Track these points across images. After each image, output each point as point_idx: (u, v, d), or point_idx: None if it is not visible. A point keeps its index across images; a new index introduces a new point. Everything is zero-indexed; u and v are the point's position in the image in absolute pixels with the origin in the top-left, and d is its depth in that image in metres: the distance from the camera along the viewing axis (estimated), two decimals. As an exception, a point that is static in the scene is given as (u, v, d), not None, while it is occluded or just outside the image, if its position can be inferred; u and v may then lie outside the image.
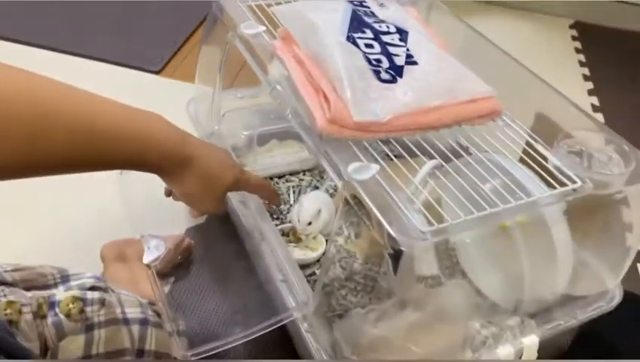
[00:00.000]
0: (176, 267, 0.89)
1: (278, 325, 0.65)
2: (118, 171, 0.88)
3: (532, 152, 0.67)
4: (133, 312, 0.66)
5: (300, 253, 0.91)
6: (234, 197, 0.83)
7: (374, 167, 0.58)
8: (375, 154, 0.63)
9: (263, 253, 0.76)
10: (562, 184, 0.63)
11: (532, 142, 0.69)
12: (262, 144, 1.06)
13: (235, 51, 0.85)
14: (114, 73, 1.34)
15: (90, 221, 0.98)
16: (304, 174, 1.07)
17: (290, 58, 0.70)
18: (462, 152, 0.68)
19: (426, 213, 0.57)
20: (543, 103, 0.77)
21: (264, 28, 0.77)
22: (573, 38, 1.73)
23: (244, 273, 0.86)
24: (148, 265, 0.72)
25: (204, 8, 1.59)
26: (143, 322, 0.66)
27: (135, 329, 0.64)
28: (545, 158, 0.67)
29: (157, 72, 1.37)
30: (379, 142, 0.64)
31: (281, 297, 0.70)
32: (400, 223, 0.54)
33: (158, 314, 0.70)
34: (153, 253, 0.73)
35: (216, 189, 0.65)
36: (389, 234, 0.53)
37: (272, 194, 0.79)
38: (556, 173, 0.64)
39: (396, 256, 0.63)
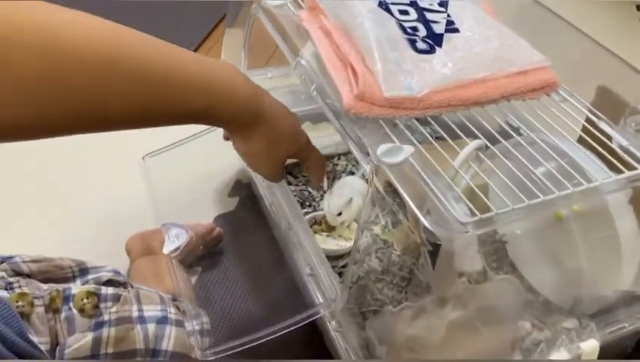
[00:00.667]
0: (203, 257, 0.85)
1: (304, 323, 0.59)
2: (141, 156, 0.84)
3: (593, 131, 0.58)
4: (151, 310, 0.62)
5: (333, 243, 0.85)
6: (261, 183, 0.78)
7: (408, 149, 0.51)
8: (409, 135, 0.55)
9: (291, 244, 0.71)
10: (629, 167, 0.54)
11: (593, 119, 0.60)
12: (294, 126, 1.00)
13: (252, 27, 0.80)
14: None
15: (116, 211, 0.95)
16: (339, 158, 1.01)
17: (317, 29, 0.63)
18: (511, 132, 0.60)
19: (468, 201, 0.49)
20: (606, 75, 0.67)
21: (290, -2, 0.71)
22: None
23: (273, 264, 0.81)
24: (168, 256, 0.68)
25: (222, 7, 1.55)
26: (162, 320, 0.62)
27: (151, 327, 0.60)
28: (609, 138, 0.58)
29: (193, 50, 1.33)
30: (414, 121, 0.57)
31: (308, 292, 0.65)
32: (437, 213, 0.47)
33: (182, 311, 0.65)
34: (174, 242, 0.69)
35: (280, 153, 0.61)
36: (424, 226, 0.46)
37: (320, 175, 0.71)
38: (622, 154, 0.55)
39: (434, 249, 0.56)
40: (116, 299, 0.60)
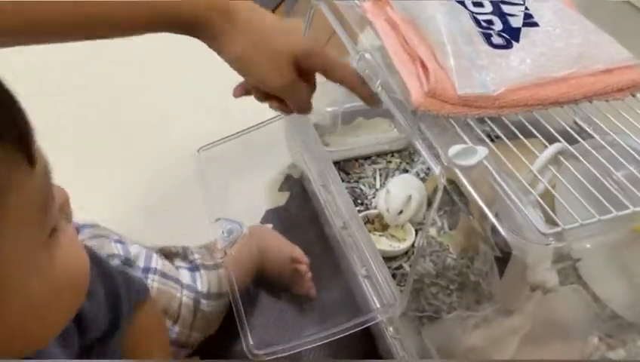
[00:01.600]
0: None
1: (360, 328, 0.57)
2: (196, 148, 0.83)
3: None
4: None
5: (386, 244, 0.83)
6: (315, 180, 0.76)
7: (482, 151, 0.48)
8: (482, 135, 0.52)
9: (346, 243, 0.68)
10: None
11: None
12: (347, 122, 0.97)
13: (322, 19, 0.77)
14: (199, 43, 1.30)
15: (168, 199, 0.94)
16: (392, 156, 0.98)
17: (383, 22, 0.61)
18: (592, 133, 0.55)
19: (548, 209, 0.46)
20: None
21: (354, -11, 0.68)
22: None
23: (326, 264, 0.78)
24: (223, 251, 0.67)
25: None
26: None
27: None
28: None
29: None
30: (486, 120, 0.53)
31: (363, 295, 0.62)
32: (514, 222, 0.44)
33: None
34: (227, 237, 0.67)
35: (277, 54, 0.53)
36: (499, 235, 0.43)
37: (364, 89, 0.60)
38: None
39: (504, 258, 0.53)
40: None
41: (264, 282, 0.78)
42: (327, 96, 0.96)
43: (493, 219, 0.44)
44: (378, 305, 0.60)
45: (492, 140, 0.62)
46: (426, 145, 0.51)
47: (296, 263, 0.77)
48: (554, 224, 0.44)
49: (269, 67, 0.54)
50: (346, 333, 0.57)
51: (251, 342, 0.57)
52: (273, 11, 1.41)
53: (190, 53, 1.13)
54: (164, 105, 1.08)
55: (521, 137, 0.53)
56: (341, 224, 0.69)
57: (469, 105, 0.51)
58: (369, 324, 0.58)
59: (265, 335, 0.71)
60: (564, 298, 0.63)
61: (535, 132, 0.53)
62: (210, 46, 0.54)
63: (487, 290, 0.66)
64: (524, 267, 0.49)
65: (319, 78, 0.98)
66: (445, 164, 0.48)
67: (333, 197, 0.72)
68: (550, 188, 0.47)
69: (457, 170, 0.47)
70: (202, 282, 0.67)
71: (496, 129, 0.54)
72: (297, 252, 0.77)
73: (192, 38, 0.56)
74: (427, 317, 0.73)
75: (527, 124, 0.54)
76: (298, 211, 0.91)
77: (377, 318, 0.58)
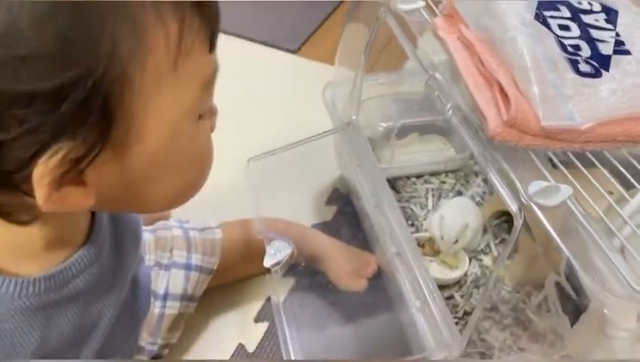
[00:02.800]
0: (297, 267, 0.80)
1: (411, 364, 0.53)
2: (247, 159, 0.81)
3: None
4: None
5: (437, 270, 0.79)
6: (367, 199, 0.72)
7: (566, 190, 0.43)
8: (563, 168, 0.48)
9: (397, 269, 0.64)
10: None
11: None
12: (401, 137, 0.94)
13: (377, 31, 0.74)
14: (250, 50, 1.30)
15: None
16: (446, 176, 0.93)
17: (455, 40, 0.57)
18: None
19: (638, 257, 0.41)
20: None
21: (423, 3, 0.64)
22: None
23: (373, 290, 0.75)
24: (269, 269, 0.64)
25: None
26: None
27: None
28: None
29: (294, 52, 1.30)
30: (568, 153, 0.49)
31: (415, 329, 0.58)
32: (595, 270, 0.40)
33: None
34: (275, 256, 0.65)
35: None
36: (576, 281, 0.39)
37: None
38: None
39: (578, 307, 0.48)
40: None
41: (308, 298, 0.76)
42: (383, 111, 0.93)
43: (578, 267, 0.40)
44: (433, 343, 0.57)
45: (554, 166, 0.58)
46: (501, 178, 0.47)
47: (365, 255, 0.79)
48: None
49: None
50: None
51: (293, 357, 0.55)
52: (329, 16, 1.38)
53: (242, 75, 1.13)
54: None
55: (583, 168, 0.48)
56: (394, 249, 0.66)
57: (552, 137, 0.46)
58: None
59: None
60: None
61: (598, 164, 0.48)
62: None
63: (550, 332, 0.62)
64: (604, 321, 0.44)
65: (375, 91, 0.95)
66: (524, 202, 0.44)
67: (386, 220, 0.68)
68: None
69: (539, 211, 0.42)
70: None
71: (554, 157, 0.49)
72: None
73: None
74: (480, 354, 0.68)
75: (590, 155, 0.49)
76: (345, 229, 0.87)
77: (432, 358, 0.54)
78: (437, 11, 0.64)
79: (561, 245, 0.41)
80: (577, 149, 0.47)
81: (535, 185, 0.44)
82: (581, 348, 0.51)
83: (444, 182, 0.92)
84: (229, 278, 0.77)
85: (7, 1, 0.26)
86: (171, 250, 0.71)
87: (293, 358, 0.58)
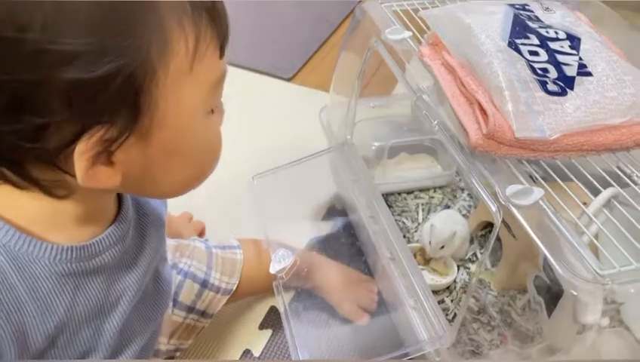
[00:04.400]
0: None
1: (406, 359, 0.59)
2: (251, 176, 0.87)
3: None
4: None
5: (428, 278, 0.84)
6: (363, 211, 0.78)
7: (538, 192, 0.50)
8: (536, 176, 0.55)
9: (393, 274, 0.70)
10: None
11: None
12: (391, 156, 1.00)
13: (369, 59, 0.81)
14: (245, 78, 1.37)
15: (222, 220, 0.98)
16: (435, 191, 1.00)
17: (440, 65, 0.64)
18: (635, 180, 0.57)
19: (603, 250, 0.48)
20: None
21: (410, 33, 0.72)
22: None
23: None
24: (274, 275, 0.70)
25: (338, 15, 1.59)
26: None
27: None
28: None
29: (288, 79, 1.38)
30: (523, 162, 0.56)
31: (410, 326, 0.64)
32: (567, 262, 0.46)
33: None
34: (280, 263, 0.70)
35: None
36: (551, 273, 0.45)
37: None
38: None
39: (553, 298, 0.54)
40: None
41: (310, 302, 0.81)
42: (374, 132, 1.00)
43: (551, 257, 0.46)
44: (426, 337, 0.62)
45: (534, 181, 0.65)
46: (483, 184, 0.54)
47: (367, 282, 0.82)
48: (605, 266, 0.46)
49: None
50: (392, 363, 0.59)
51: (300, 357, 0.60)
52: (322, 45, 1.47)
53: (241, 101, 1.20)
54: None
55: (558, 180, 0.55)
56: (389, 255, 0.72)
57: (525, 147, 0.53)
58: (415, 355, 0.60)
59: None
60: (609, 340, 0.64)
61: (572, 176, 0.55)
62: None
63: (532, 329, 0.67)
64: (576, 306, 0.50)
65: (367, 114, 1.02)
66: (503, 202, 0.50)
67: (382, 229, 0.74)
68: (604, 230, 0.49)
69: (515, 210, 0.49)
70: None
71: (534, 171, 0.56)
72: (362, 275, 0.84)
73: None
74: (469, 352, 0.74)
75: (564, 168, 0.56)
76: (341, 242, 0.93)
77: (425, 349, 0.60)
78: (422, 40, 0.71)
79: (537, 240, 0.47)
80: (548, 157, 0.54)
81: (512, 188, 0.50)
82: (556, 336, 0.57)
83: (432, 197, 0.99)
84: (240, 297, 0.79)
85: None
86: (192, 258, 0.73)
87: (300, 358, 0.63)
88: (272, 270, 0.70)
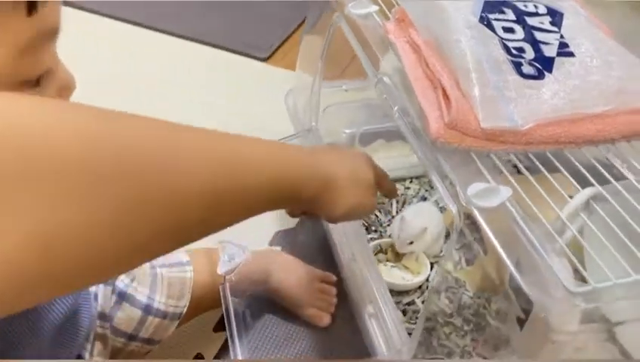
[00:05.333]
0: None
1: (362, 373, 0.52)
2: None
3: None
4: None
5: (398, 276, 0.78)
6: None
7: (504, 192, 0.43)
8: (504, 169, 0.48)
9: (353, 276, 0.64)
10: None
11: None
12: (366, 144, 0.93)
13: (333, 37, 0.74)
14: (220, 58, 1.29)
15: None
16: (411, 182, 0.93)
17: (405, 44, 0.57)
18: (627, 173, 0.50)
19: (576, 261, 0.41)
20: None
21: (376, 8, 0.64)
22: None
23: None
24: (224, 277, 0.63)
25: (301, 12, 1.50)
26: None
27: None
28: None
29: (264, 60, 1.30)
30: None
31: (368, 336, 0.58)
32: (537, 274, 0.39)
33: None
34: (229, 263, 0.64)
35: (367, 181, 0.53)
36: (520, 290, 0.39)
37: (392, 188, 0.64)
38: None
39: (525, 311, 0.48)
40: None
41: (268, 306, 0.75)
42: (347, 117, 0.93)
43: (514, 271, 0.39)
44: (384, 348, 0.56)
45: (519, 172, 0.57)
46: (442, 180, 0.47)
47: (325, 281, 0.75)
48: (583, 280, 0.39)
49: (363, 211, 0.53)
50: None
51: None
52: (300, 25, 1.38)
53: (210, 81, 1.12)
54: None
55: (546, 173, 0.48)
56: (350, 255, 0.65)
57: (493, 139, 0.46)
58: (372, 369, 0.54)
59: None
60: (591, 355, 0.58)
61: (562, 168, 0.48)
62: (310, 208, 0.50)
63: (505, 336, 0.61)
64: (548, 323, 0.44)
65: (340, 98, 0.95)
66: (463, 203, 0.43)
67: (342, 225, 0.67)
68: (580, 238, 0.42)
69: (477, 213, 0.42)
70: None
71: (519, 163, 0.49)
72: (319, 272, 0.76)
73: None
74: (436, 360, 0.68)
75: (553, 158, 0.49)
76: (309, 235, 0.87)
77: (382, 363, 0.54)
78: (390, 15, 0.64)
79: (499, 248, 0.41)
80: (520, 151, 0.47)
81: (474, 187, 0.43)
82: (527, 351, 0.50)
83: (408, 188, 0.92)
84: (193, 316, 0.71)
85: None
86: (133, 279, 0.63)
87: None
88: (220, 271, 0.63)
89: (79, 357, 0.53)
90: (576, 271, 0.42)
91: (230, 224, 0.36)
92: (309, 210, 0.47)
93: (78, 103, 0.29)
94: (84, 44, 1.27)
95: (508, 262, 0.40)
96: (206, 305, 0.70)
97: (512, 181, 0.46)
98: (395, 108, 0.54)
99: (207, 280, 0.68)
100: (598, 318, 0.45)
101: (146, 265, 0.65)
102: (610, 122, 0.47)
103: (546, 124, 0.46)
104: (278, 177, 0.39)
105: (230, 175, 0.34)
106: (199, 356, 0.73)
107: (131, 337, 0.62)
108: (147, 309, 0.63)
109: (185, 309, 0.66)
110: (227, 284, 0.62)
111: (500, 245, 0.41)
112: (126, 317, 0.61)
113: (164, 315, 0.64)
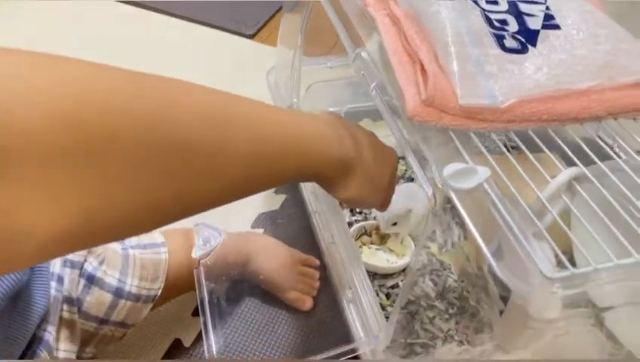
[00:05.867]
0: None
1: (340, 360, 0.51)
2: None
3: None
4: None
5: (382, 258, 0.76)
6: (305, 186, 0.69)
7: (482, 173, 0.41)
8: (483, 149, 0.45)
9: (333, 260, 0.62)
10: None
11: None
12: (351, 123, 0.91)
13: (312, 11, 0.71)
14: (206, 34, 1.26)
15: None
16: (398, 162, 0.90)
17: (384, 17, 0.54)
18: (615, 152, 0.48)
19: (556, 247, 0.39)
20: None
21: (356, -21, 0.61)
22: None
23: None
24: (198, 261, 0.61)
25: None
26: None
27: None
28: None
29: (251, 37, 1.27)
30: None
31: (347, 322, 0.56)
32: (516, 260, 0.37)
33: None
34: (204, 246, 0.62)
35: (381, 184, 0.53)
36: (497, 277, 0.36)
37: (388, 202, 0.62)
38: None
39: (505, 299, 0.46)
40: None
41: (248, 290, 0.73)
42: (332, 95, 0.90)
43: (490, 258, 0.37)
44: (362, 334, 0.54)
45: (509, 151, 0.55)
46: (419, 161, 0.44)
47: (308, 265, 0.74)
48: (563, 267, 0.37)
49: (375, 198, 0.53)
50: (324, 364, 0.51)
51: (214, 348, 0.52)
52: (277, 12, 1.34)
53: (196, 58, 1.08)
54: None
55: (528, 153, 0.45)
56: (330, 238, 0.63)
57: (472, 117, 0.44)
58: (349, 357, 0.52)
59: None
60: (576, 340, 0.56)
61: (544, 148, 0.46)
62: (322, 187, 0.50)
63: (488, 320, 0.59)
64: (528, 309, 0.42)
65: (325, 76, 0.91)
66: (439, 185, 0.41)
67: (322, 207, 0.65)
68: (560, 221, 0.40)
69: (453, 195, 0.40)
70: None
71: (499, 142, 0.47)
72: (303, 255, 0.74)
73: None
74: (421, 346, 0.66)
75: (535, 137, 0.47)
76: (292, 217, 0.85)
77: (358, 350, 0.52)
78: (371, -13, 0.60)
79: (475, 233, 0.38)
80: (500, 129, 0.45)
81: (450, 168, 0.41)
82: (507, 338, 0.49)
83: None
84: (168, 299, 0.70)
85: None
86: (100, 260, 0.61)
87: (215, 352, 0.55)
88: (195, 255, 0.61)
89: (34, 337, 0.51)
90: (558, 255, 0.40)
91: (254, 192, 0.38)
92: (315, 182, 0.47)
93: (135, 80, 0.29)
94: (65, 22, 1.24)
95: (484, 247, 0.37)
96: (183, 287, 0.68)
97: (492, 161, 0.44)
98: (372, 84, 0.51)
99: (184, 261, 0.65)
100: (584, 303, 0.43)
101: (117, 246, 0.62)
102: (596, 99, 0.44)
103: (528, 101, 0.43)
104: (306, 152, 0.41)
105: (268, 147, 0.36)
106: (177, 341, 0.71)
107: (102, 321, 0.60)
108: (118, 293, 0.61)
109: (159, 292, 0.63)
110: (202, 269, 0.60)
111: (477, 229, 0.39)
112: (96, 301, 0.59)
113: (136, 298, 0.62)
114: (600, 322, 0.48)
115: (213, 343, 0.53)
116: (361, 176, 0.48)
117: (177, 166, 0.29)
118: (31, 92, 0.23)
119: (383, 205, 0.57)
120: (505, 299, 0.47)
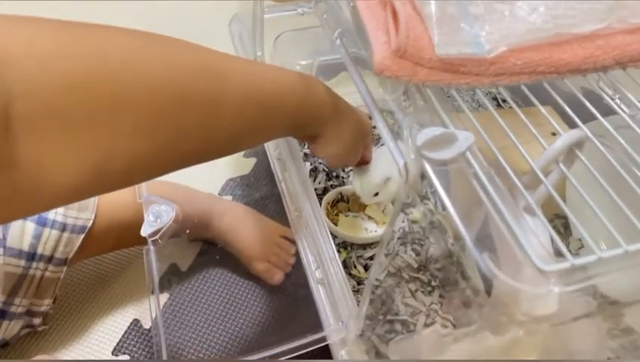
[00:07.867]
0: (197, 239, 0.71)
1: (303, 351, 0.45)
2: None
3: None
4: None
5: (361, 227, 0.70)
6: (270, 153, 0.62)
7: (464, 139, 0.33)
8: (465, 108, 0.38)
9: (300, 233, 0.55)
10: None
11: None
12: (328, 77, 0.82)
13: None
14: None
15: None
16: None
17: (351, -50, 0.45)
18: (620, 107, 0.41)
19: (551, 230, 0.32)
20: None
21: None
22: None
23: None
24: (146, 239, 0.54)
25: None
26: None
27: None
28: None
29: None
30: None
31: (316, 306, 0.50)
32: (503, 248, 0.30)
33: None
34: (155, 223, 0.55)
35: (359, 141, 0.55)
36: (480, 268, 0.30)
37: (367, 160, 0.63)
38: None
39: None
40: None
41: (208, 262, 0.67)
42: (304, 46, 0.81)
43: (469, 242, 0.30)
44: (332, 320, 0.48)
45: (499, 104, 0.47)
46: (388, 125, 0.37)
47: (285, 238, 0.69)
48: (560, 257, 0.30)
49: (353, 156, 0.56)
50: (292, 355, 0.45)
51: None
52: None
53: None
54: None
55: (519, 113, 0.38)
56: (296, 211, 0.56)
57: (453, 70, 0.36)
58: (318, 346, 0.46)
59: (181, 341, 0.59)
60: (576, 328, 0.50)
61: (535, 101, 0.38)
62: (309, 142, 0.51)
63: (473, 296, 0.54)
64: (516, 298, 0.35)
65: (296, 24, 0.82)
66: (412, 154, 0.34)
67: (289, 175, 0.58)
68: (558, 198, 0.33)
69: (428, 167, 0.33)
70: None
71: (484, 99, 0.39)
72: (280, 226, 0.70)
73: None
74: (402, 323, 0.60)
75: (529, 93, 0.39)
76: (262, 183, 0.77)
77: (327, 340, 0.46)
78: None
79: (453, 213, 0.31)
80: (487, 84, 0.37)
81: (426, 133, 0.33)
82: (495, 323, 0.43)
83: (375, 127, 0.82)
84: (109, 240, 0.63)
85: None
86: None
87: (164, 347, 0.49)
88: (144, 233, 0.54)
89: None
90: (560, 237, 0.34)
91: (256, 143, 0.43)
92: (303, 136, 0.49)
93: (140, 43, 0.32)
94: None
95: (464, 232, 0.31)
96: (134, 232, 0.61)
97: (476, 123, 0.36)
98: (337, 31, 0.43)
99: (131, 202, 0.59)
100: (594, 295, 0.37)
101: None
102: (602, 45, 0.37)
103: (521, 50, 0.36)
104: (304, 98, 0.44)
105: (263, 97, 0.39)
106: (135, 322, 0.66)
107: (29, 256, 0.55)
108: (41, 221, 0.56)
109: (90, 223, 0.58)
110: (152, 248, 0.53)
111: (457, 209, 0.32)
112: (19, 232, 0.55)
113: (62, 227, 0.57)
114: (602, 309, 0.42)
115: (162, 340, 0.46)
116: (347, 128, 0.50)
117: (183, 120, 0.33)
118: (54, 58, 0.27)
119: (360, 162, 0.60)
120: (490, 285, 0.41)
